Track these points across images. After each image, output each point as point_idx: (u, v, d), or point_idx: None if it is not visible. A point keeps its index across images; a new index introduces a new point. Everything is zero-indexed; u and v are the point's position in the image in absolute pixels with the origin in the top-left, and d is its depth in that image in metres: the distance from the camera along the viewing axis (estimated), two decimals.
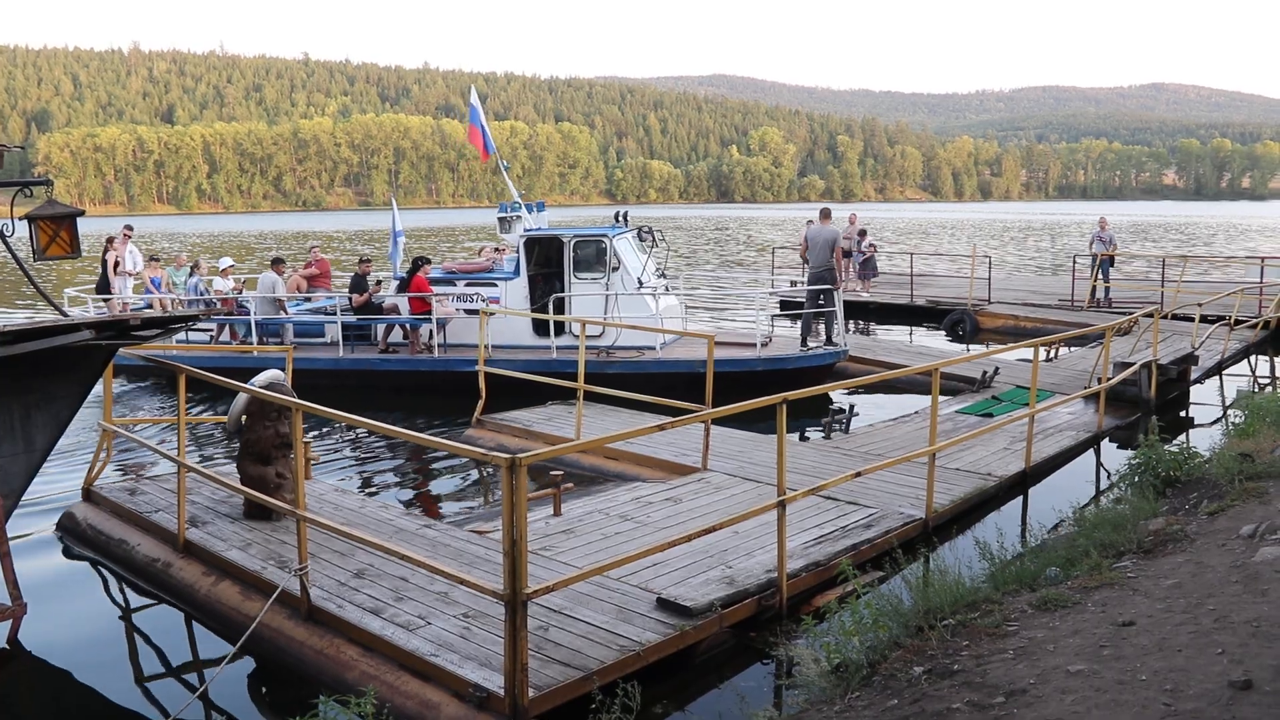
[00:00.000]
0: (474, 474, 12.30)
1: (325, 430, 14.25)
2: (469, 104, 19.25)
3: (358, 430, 14.09)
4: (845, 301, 18.02)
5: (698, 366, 15.31)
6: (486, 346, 14.77)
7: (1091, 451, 12.50)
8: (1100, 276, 24.80)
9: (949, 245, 61.76)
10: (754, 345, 16.30)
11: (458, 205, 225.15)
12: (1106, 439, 12.95)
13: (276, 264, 18.33)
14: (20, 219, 7.93)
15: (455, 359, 16.01)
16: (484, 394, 12.94)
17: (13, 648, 7.24)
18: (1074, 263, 26.95)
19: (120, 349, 8.28)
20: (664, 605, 6.90)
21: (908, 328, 24.27)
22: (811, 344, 16.71)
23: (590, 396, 12.31)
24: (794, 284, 25.21)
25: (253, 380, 8.60)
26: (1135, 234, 73.32)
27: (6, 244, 7.87)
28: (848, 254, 27.90)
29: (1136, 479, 9.63)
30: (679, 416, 7.37)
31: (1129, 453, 11.37)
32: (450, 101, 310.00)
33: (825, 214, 17.78)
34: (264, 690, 6.82)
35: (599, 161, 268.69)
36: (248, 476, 8.74)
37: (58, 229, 8.11)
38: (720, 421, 11.65)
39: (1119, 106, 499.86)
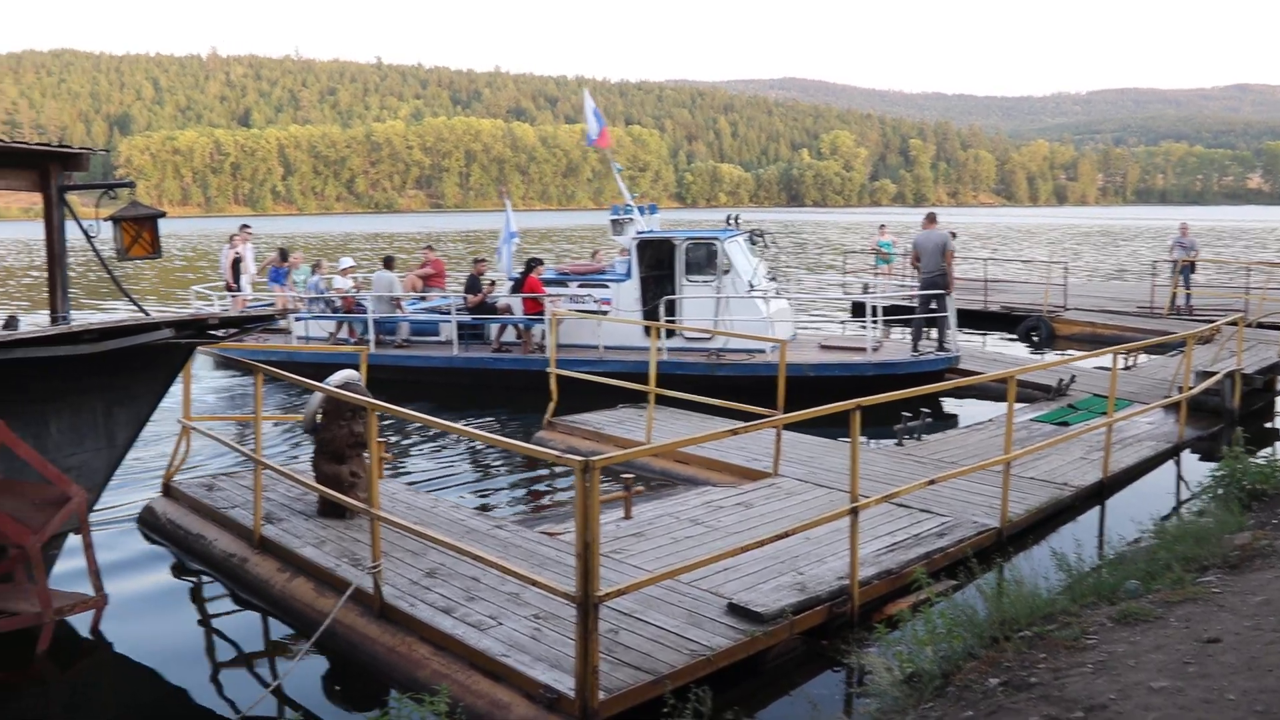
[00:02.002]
0: (544, 475, 12.36)
1: (398, 429, 14.40)
2: (585, 105, 19.37)
3: (431, 429, 14.23)
4: (911, 307, 17.84)
5: (808, 370, 15.29)
6: (595, 347, 14.97)
7: (1172, 463, 12.23)
8: (1181, 283, 24.28)
9: (1024, 250, 60.83)
10: (864, 350, 16.19)
11: (528, 208, 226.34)
12: (1187, 450, 12.66)
13: (388, 263, 18.70)
14: (104, 220, 8.12)
15: (567, 359, 16.08)
16: (554, 396, 13.00)
17: (94, 637, 7.40)
18: (1154, 269, 26.42)
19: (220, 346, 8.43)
20: (735, 610, 6.87)
21: (981, 334, 23.96)
22: (923, 349, 16.53)
23: (661, 400, 12.30)
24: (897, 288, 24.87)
25: (328, 380, 8.72)
26: (1218, 239, 71.70)
27: (92, 244, 8.05)
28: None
29: (1220, 491, 9.38)
30: (750, 421, 7.34)
31: (1211, 464, 11.09)
32: (521, 105, 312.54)
33: (931, 218, 17.60)
34: (336, 686, 6.90)
35: (669, 165, 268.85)
36: (322, 475, 8.86)
37: (140, 230, 8.28)
38: (792, 426, 11.57)
39: (1201, 108, 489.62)
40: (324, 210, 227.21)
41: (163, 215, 8.50)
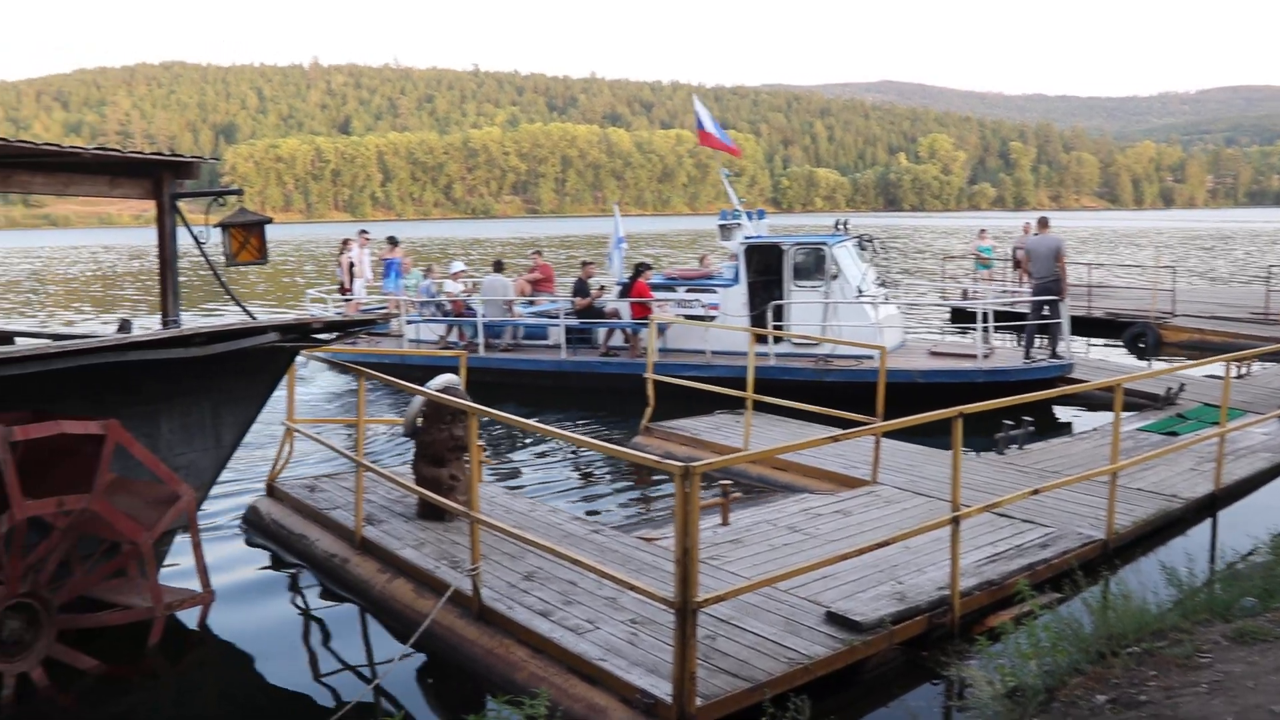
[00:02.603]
0: (641, 480, 12.39)
1: (497, 433, 14.54)
2: (695, 112, 19.46)
3: (529, 434, 14.35)
4: (1017, 313, 17.50)
5: (917, 377, 15.12)
6: (702, 352, 14.93)
7: None
8: None
9: (1129, 255, 59.32)
10: (974, 356, 15.97)
11: (625, 213, 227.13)
12: None
13: (499, 267, 19.02)
14: (213, 226, 8.34)
15: (674, 364, 16.15)
16: (652, 402, 13.01)
17: (202, 632, 7.58)
18: (1268, 273, 25.57)
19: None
20: (833, 619, 6.81)
21: (1084, 340, 23.40)
22: (1036, 357, 16.26)
23: (758, 406, 12.24)
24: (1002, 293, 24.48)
25: (428, 384, 8.83)
26: None
27: (201, 249, 8.27)
28: (1018, 264, 27.12)
29: None
30: (848, 429, 7.27)
31: None
32: (616, 110, 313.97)
33: (1043, 222, 17.25)
34: (434, 686, 6.99)
35: (765, 169, 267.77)
36: (422, 478, 8.98)
37: (248, 236, 8.49)
38: (892, 434, 11.43)
39: None
40: (421, 216, 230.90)
41: (270, 221, 8.72)
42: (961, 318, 23.85)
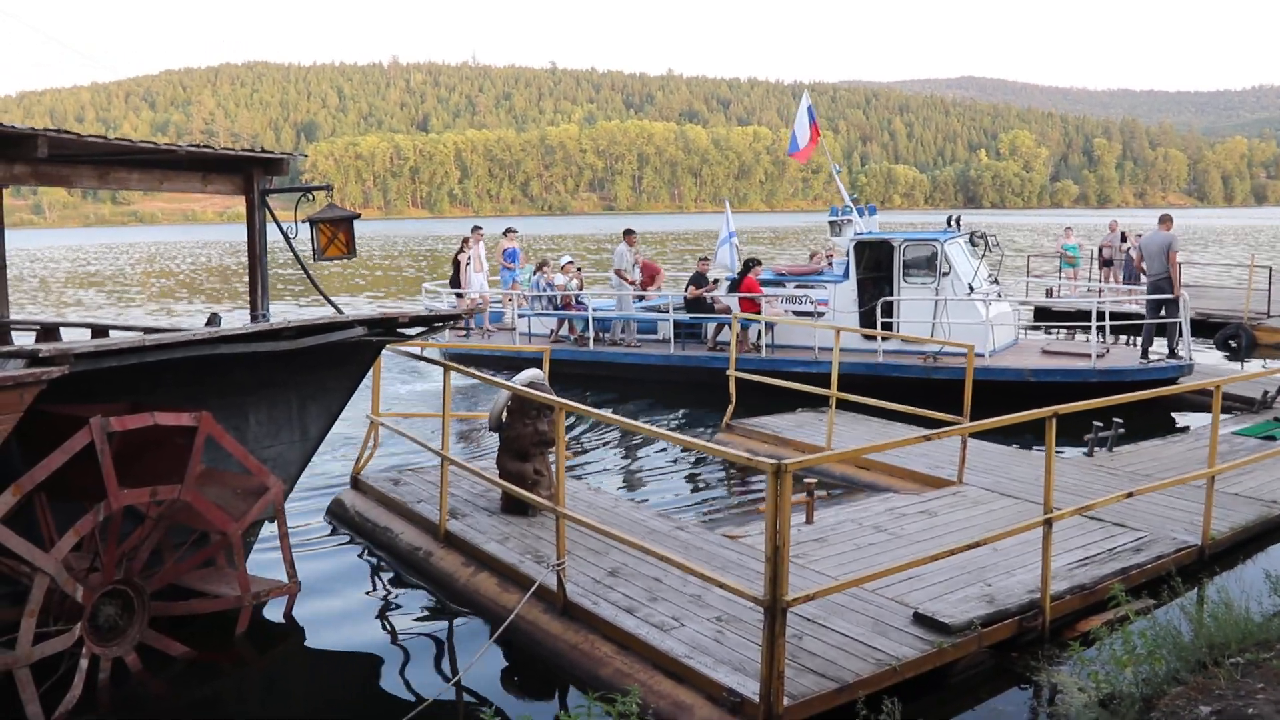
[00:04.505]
0: (718, 477, 12.32)
1: (582, 427, 14.56)
2: (802, 109, 19.38)
3: (607, 428, 14.36)
4: (1110, 311, 17.13)
5: (1028, 375, 14.91)
6: (810, 348, 15.22)
7: None
8: None
9: (1221, 253, 57.79)
10: (1088, 356, 15.73)
11: (700, 210, 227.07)
12: None
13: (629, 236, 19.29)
14: (302, 222, 8.43)
15: (781, 359, 16.16)
16: (734, 399, 12.94)
17: (287, 622, 7.67)
18: None
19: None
20: (921, 620, 6.70)
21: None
22: (1153, 356, 15.92)
23: (841, 404, 12.10)
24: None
25: (514, 379, 8.85)
26: None
27: (290, 244, 8.37)
28: (1108, 262, 26.55)
29: None
30: (935, 428, 7.15)
31: None
32: (693, 107, 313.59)
33: (1164, 220, 16.82)
34: (517, 680, 7.01)
35: (844, 166, 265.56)
36: (506, 472, 9.00)
37: (336, 231, 8.56)
38: (980, 434, 11.22)
39: None
40: (499, 213, 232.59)
41: (358, 217, 8.78)
42: (1046, 316, 23.40)
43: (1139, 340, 16.55)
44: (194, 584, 7.42)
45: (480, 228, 21.66)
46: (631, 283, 18.92)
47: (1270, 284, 24.36)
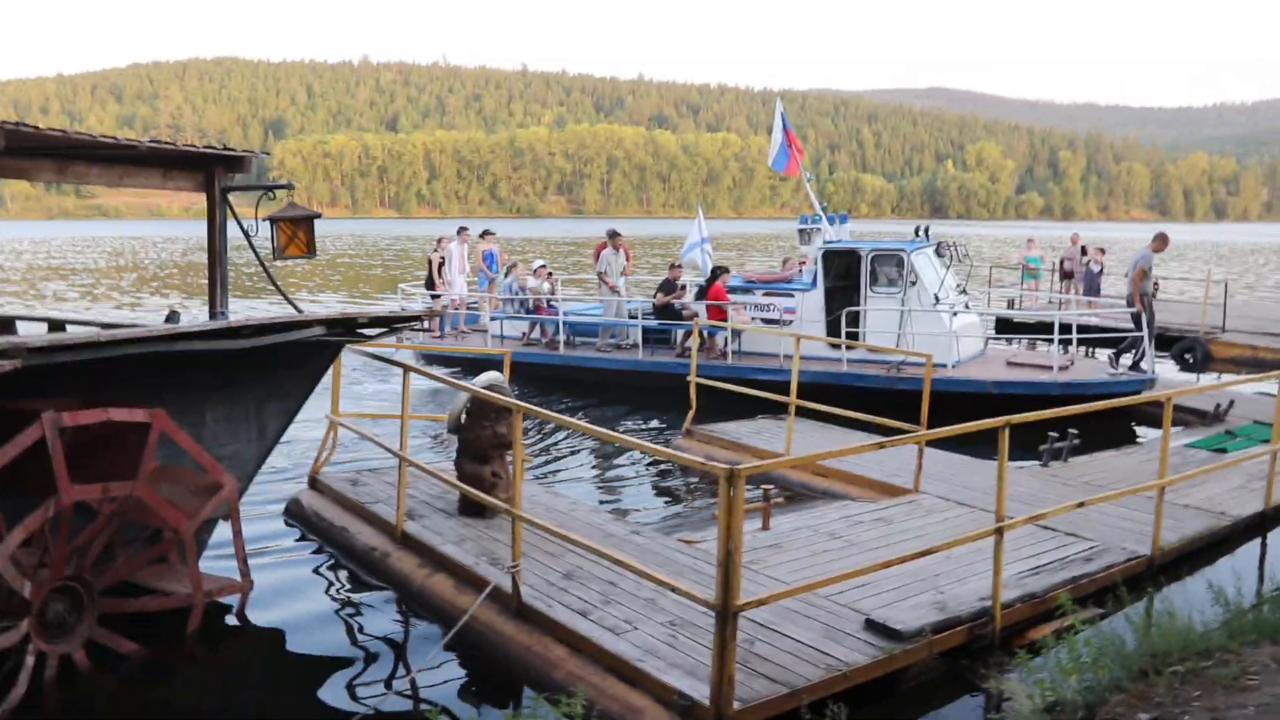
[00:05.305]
0: (680, 483, 12.37)
1: (540, 431, 14.57)
2: (777, 121, 19.38)
3: (569, 432, 14.37)
4: (1072, 324, 17.38)
5: (990, 387, 15.03)
6: (776, 355, 15.51)
7: None
8: None
9: (1180, 268, 58.50)
10: (1050, 368, 15.88)
11: (668, 215, 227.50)
12: None
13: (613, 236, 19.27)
14: (263, 220, 8.40)
15: (747, 366, 16.24)
16: (694, 404, 12.99)
17: (240, 621, 7.62)
18: None
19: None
20: (872, 627, 6.76)
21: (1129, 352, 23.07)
22: (1117, 369, 16.15)
23: (801, 412, 12.17)
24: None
25: (475, 381, 8.86)
26: None
27: (250, 242, 8.33)
28: (1069, 275, 26.82)
29: None
30: (892, 436, 7.22)
31: None
32: (664, 112, 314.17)
33: (1154, 238, 17.16)
34: (471, 681, 7.00)
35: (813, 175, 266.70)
36: (464, 474, 9.00)
37: (296, 230, 8.53)
38: (938, 443, 11.31)
39: None
40: (467, 214, 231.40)
41: (318, 216, 8.74)
42: (1008, 327, 23.61)
43: (1100, 352, 16.81)
44: (146, 581, 7.37)
45: (466, 228, 21.64)
46: (613, 288, 18.93)
47: (1225, 299, 24.69)
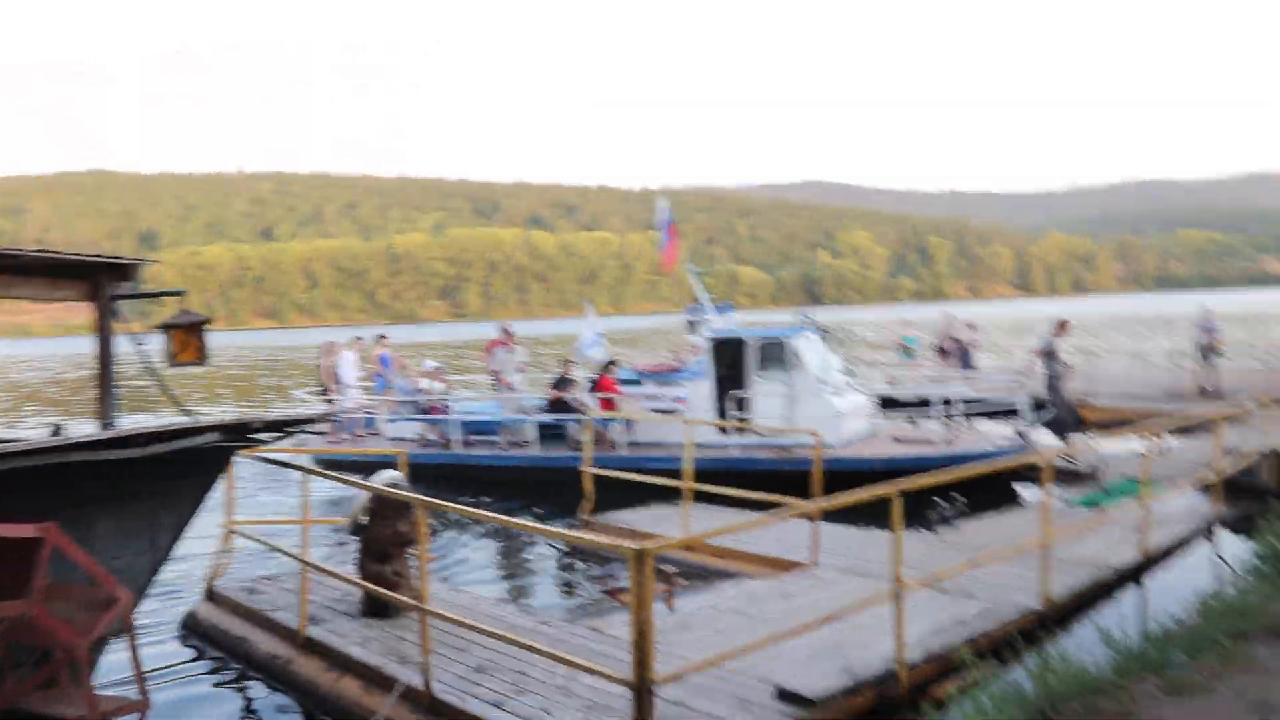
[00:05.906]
0: (580, 573, 12.37)
1: (438, 528, 14.46)
2: (659, 215, 19.84)
3: (468, 529, 14.30)
4: (957, 399, 18.13)
5: (878, 464, 15.37)
6: (669, 444, 15.49)
7: (1210, 542, 12.17)
8: (1206, 365, 24.29)
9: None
10: (934, 443, 16.39)
11: (548, 315, 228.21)
12: (1225, 529, 12.59)
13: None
14: (154, 329, 8.34)
15: (641, 456, 16.40)
16: (589, 495, 13.07)
17: None
18: (1182, 353, 26.41)
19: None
20: (784, 696, 6.87)
21: (1007, 421, 23.85)
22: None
23: (697, 497, 12.35)
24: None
25: (373, 480, 8.84)
26: (1240, 323, 71.42)
27: (139, 351, 8.25)
28: (944, 352, 27.73)
29: (1263, 566, 9.36)
30: (788, 510, 7.42)
31: (1250, 544, 11.05)
32: (539, 214, 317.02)
33: (1057, 324, 18.47)
34: None
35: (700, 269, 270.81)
36: (367, 574, 8.92)
37: (188, 337, 8.51)
38: (834, 517, 11.55)
39: (1216, 197, 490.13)
40: (346, 321, 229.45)
41: (209, 321, 8.74)
42: (890, 405, 24.25)
43: (982, 423, 17.51)
44: (35, 706, 7.10)
45: (360, 337, 21.51)
46: (508, 385, 18.98)
47: (1090, 368, 25.80)
